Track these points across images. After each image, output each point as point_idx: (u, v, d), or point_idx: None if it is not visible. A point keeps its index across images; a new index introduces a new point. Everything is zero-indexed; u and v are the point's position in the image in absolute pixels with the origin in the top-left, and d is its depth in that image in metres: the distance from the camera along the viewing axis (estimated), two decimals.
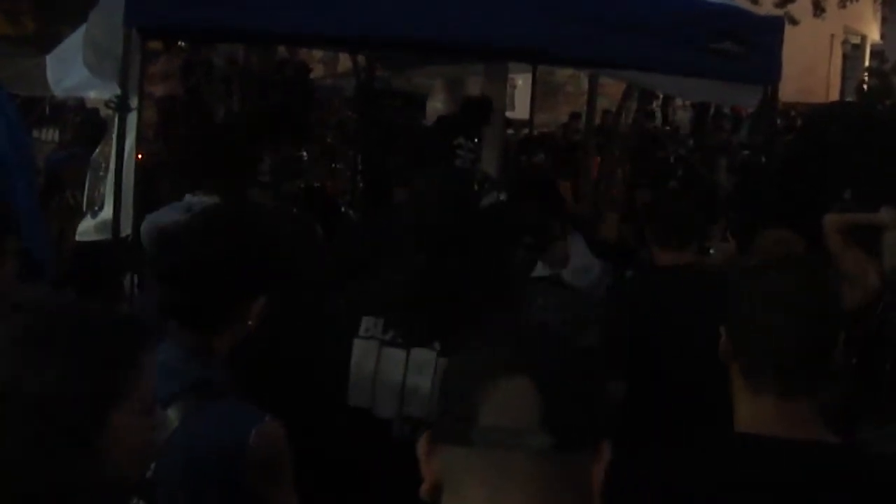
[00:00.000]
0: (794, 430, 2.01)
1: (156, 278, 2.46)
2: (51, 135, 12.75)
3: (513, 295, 4.37)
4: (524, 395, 1.36)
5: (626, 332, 4.48)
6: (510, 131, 15.25)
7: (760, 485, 1.96)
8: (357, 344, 3.39)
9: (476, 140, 8.49)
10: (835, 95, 24.75)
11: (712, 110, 16.06)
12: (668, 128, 17.14)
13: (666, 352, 4.40)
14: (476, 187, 8.30)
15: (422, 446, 1.40)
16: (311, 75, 14.70)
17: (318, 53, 16.64)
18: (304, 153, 9.70)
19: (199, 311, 2.31)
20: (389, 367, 3.33)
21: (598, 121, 15.02)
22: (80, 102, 11.42)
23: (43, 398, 1.64)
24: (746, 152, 13.37)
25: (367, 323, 3.43)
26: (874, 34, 29.59)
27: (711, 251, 9.93)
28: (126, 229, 5.65)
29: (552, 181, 7.03)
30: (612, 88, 15.34)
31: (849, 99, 22.18)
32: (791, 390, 2.04)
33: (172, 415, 2.19)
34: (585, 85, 13.73)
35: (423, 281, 3.51)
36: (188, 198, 4.98)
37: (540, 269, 7.79)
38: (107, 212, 6.10)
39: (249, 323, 2.36)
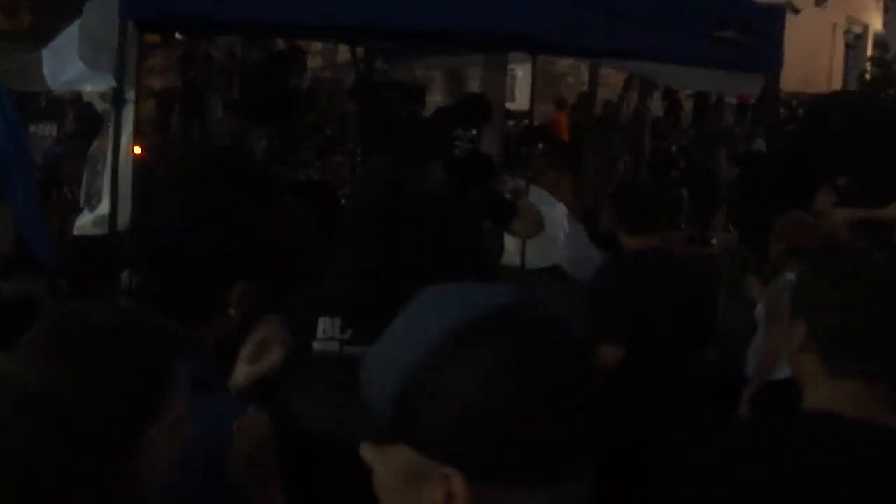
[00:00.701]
0: (878, 415, 1.97)
1: (131, 269, 2.42)
2: (48, 130, 12.71)
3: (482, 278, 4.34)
4: None
5: (621, 303, 4.46)
6: (510, 122, 15.21)
7: (839, 466, 1.93)
8: (316, 347, 3.32)
9: (475, 131, 8.45)
10: (837, 85, 24.69)
11: (714, 99, 16.01)
12: (669, 118, 17.11)
13: (635, 333, 4.40)
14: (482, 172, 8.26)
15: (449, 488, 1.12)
16: (310, 67, 14.65)
17: (316, 45, 16.59)
18: (303, 146, 9.67)
19: (174, 300, 2.26)
20: None
21: (598, 111, 14.99)
22: (77, 96, 11.39)
23: (76, 409, 1.58)
24: (747, 142, 13.35)
25: (323, 324, 3.36)
26: (876, 24, 29.54)
27: (714, 241, 9.92)
28: (124, 223, 5.61)
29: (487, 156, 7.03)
30: (613, 79, 15.30)
31: (851, 89, 22.13)
32: (874, 374, 2.00)
33: None
34: (586, 75, 13.69)
35: (377, 273, 3.45)
36: None
37: (540, 261, 7.78)
38: (104, 206, 6.07)
39: (232, 312, 2.31)
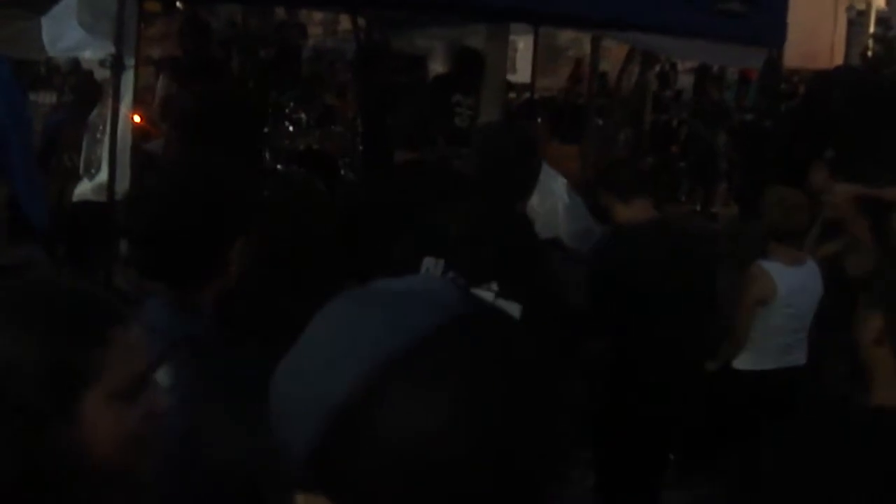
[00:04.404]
0: None
1: (129, 243, 2.40)
2: (48, 98, 12.67)
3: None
4: None
5: (611, 290, 4.50)
6: (512, 95, 15.15)
7: None
8: None
9: (474, 97, 8.42)
10: (839, 62, 24.55)
11: (715, 71, 15.94)
12: (669, 92, 17.06)
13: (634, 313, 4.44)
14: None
15: None
16: (311, 36, 14.60)
17: (317, 15, 16.53)
18: (303, 115, 9.63)
19: (176, 269, 2.26)
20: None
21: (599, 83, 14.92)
22: (76, 64, 11.34)
23: None
24: (749, 116, 13.30)
25: (427, 264, 3.45)
26: (879, 1, 29.40)
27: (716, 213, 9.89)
28: (122, 191, 5.60)
29: None
30: (614, 52, 15.23)
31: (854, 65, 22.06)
32: None
33: (163, 375, 2.15)
34: (588, 48, 13.62)
35: (484, 223, 3.54)
36: None
37: (540, 234, 7.77)
38: (104, 174, 6.07)
39: (233, 268, 2.31)
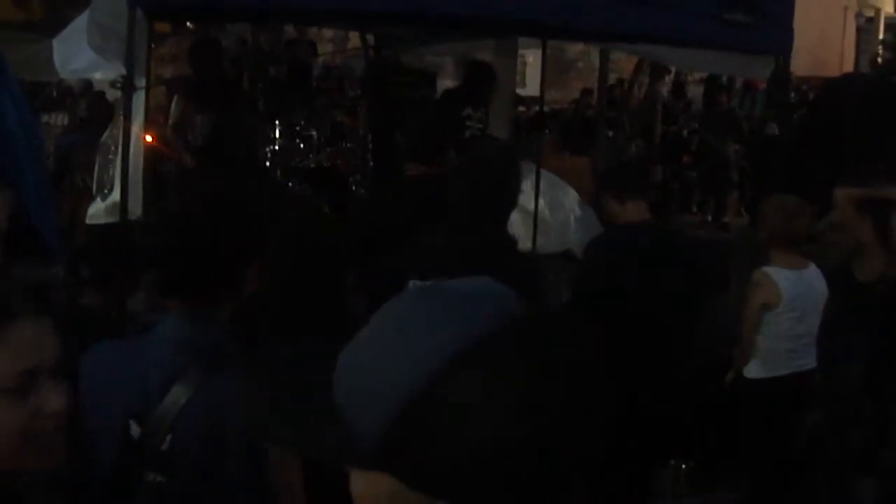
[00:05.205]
0: None
1: (147, 262, 2.43)
2: (59, 119, 12.74)
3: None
4: None
5: (593, 288, 4.52)
6: (521, 108, 15.18)
7: None
8: None
9: (484, 110, 8.44)
10: (849, 69, 24.58)
11: (724, 81, 15.95)
12: (682, 102, 17.07)
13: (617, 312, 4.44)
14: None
15: None
16: (320, 54, 14.64)
17: (327, 32, 16.59)
18: (314, 132, 9.67)
19: (194, 286, 2.29)
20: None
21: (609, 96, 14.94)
22: (88, 85, 11.41)
23: None
24: (754, 128, 13.31)
25: (412, 286, 3.47)
26: (888, 7, 29.39)
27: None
28: (135, 212, 5.63)
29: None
30: (623, 63, 15.27)
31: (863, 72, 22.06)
32: None
33: (181, 389, 2.17)
34: (597, 61, 13.66)
35: (470, 244, 3.56)
36: None
37: (552, 246, 7.80)
38: (116, 194, 6.10)
39: (248, 289, 2.34)
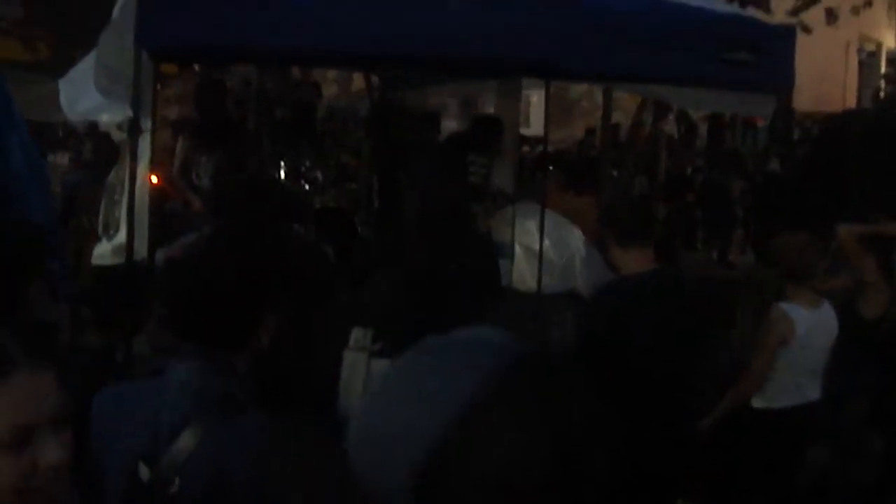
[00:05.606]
0: None
1: (167, 305, 2.44)
2: (65, 159, 12.80)
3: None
4: None
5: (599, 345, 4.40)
6: (525, 148, 15.21)
7: None
8: (346, 356, 3.40)
9: (488, 157, 8.47)
10: (852, 104, 24.61)
11: (727, 119, 16.00)
12: (692, 138, 17.13)
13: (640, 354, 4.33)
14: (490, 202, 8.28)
15: None
16: (325, 95, 14.70)
17: (331, 74, 16.68)
18: (319, 174, 9.71)
19: (213, 333, 2.30)
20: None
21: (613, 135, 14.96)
22: (93, 126, 11.47)
23: None
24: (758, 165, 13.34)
25: (356, 334, 3.44)
26: (890, 41, 29.45)
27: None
28: (141, 252, 5.64)
29: None
30: (627, 102, 15.31)
31: (865, 107, 22.10)
32: None
33: (191, 433, 2.17)
34: (600, 100, 13.71)
35: (409, 290, 3.54)
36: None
37: (557, 286, 7.78)
38: (122, 235, 6.11)
39: (264, 341, 2.34)
